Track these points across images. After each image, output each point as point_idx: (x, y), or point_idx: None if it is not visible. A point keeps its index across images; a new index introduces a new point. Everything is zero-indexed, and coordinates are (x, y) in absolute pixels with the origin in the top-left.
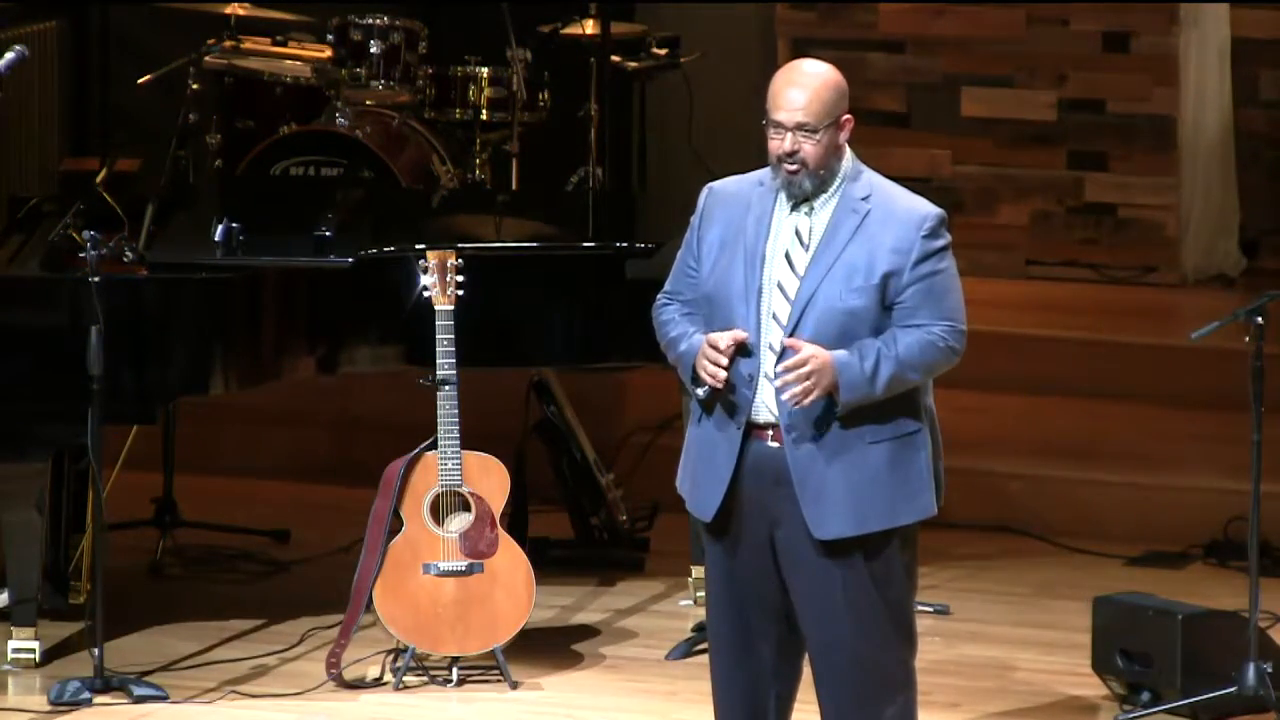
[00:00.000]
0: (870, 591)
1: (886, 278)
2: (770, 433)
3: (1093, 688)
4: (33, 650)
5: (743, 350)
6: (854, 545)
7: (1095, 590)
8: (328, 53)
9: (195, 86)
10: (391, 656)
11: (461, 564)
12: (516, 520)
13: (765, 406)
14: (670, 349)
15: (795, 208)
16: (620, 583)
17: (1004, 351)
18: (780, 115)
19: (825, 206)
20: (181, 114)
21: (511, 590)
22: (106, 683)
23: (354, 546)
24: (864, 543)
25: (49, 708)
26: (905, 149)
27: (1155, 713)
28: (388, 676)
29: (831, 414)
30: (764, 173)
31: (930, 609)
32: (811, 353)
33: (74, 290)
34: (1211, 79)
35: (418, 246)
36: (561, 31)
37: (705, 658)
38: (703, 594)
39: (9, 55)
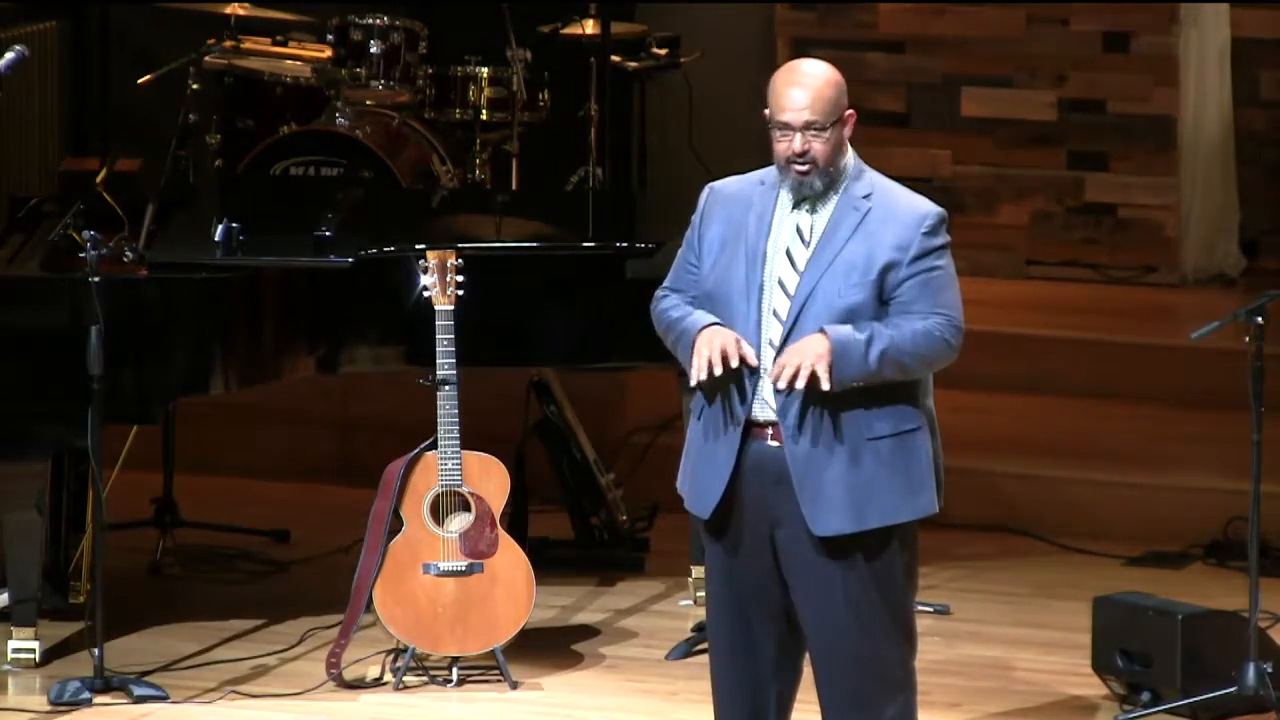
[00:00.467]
0: (870, 591)
1: (885, 272)
2: (770, 431)
3: (1093, 688)
4: (33, 650)
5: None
6: (854, 544)
7: (1095, 590)
8: (328, 53)
9: (195, 86)
10: (391, 656)
11: (461, 564)
12: (516, 520)
13: (765, 404)
14: (670, 329)
15: (797, 206)
16: (620, 583)
17: (1004, 351)
18: (787, 116)
19: (827, 204)
20: (181, 114)
21: (511, 590)
22: (106, 683)
23: (354, 546)
24: (864, 542)
25: (49, 708)
26: (905, 149)
27: (1155, 713)
28: (388, 676)
29: (831, 413)
30: (764, 172)
31: (930, 609)
32: (793, 346)
33: (74, 290)
34: (1211, 79)
35: (418, 246)
36: (561, 31)
37: (705, 658)
38: (703, 594)
39: (9, 55)
